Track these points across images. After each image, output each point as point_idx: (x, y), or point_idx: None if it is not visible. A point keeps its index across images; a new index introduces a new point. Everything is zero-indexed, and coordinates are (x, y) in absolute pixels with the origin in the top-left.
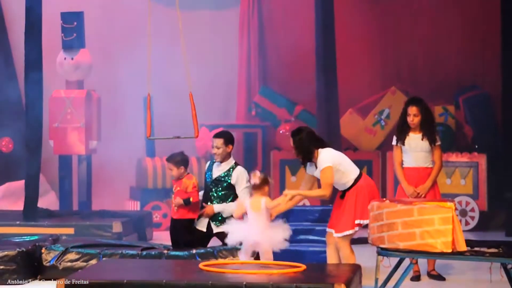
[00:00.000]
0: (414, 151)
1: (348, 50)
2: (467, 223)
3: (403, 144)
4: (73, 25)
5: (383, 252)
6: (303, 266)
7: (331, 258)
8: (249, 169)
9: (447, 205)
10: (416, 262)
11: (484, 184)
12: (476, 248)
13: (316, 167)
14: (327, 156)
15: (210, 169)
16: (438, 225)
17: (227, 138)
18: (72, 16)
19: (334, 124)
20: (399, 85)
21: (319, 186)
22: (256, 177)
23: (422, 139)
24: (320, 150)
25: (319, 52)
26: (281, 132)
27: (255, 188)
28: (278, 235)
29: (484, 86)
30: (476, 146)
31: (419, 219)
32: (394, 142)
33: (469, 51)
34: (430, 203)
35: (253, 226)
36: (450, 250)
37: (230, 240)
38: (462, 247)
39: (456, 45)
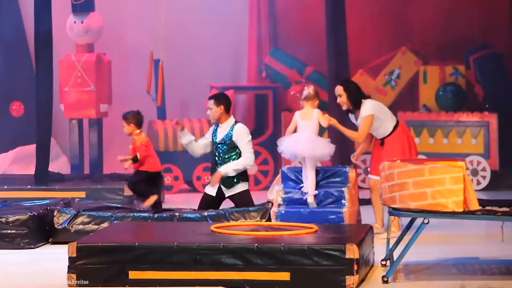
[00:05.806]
0: None
1: (358, 10)
2: (478, 183)
3: None
4: None
5: (395, 212)
6: (315, 227)
7: (376, 203)
8: (261, 131)
9: (458, 165)
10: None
11: (495, 143)
12: (487, 208)
13: (356, 117)
14: (371, 106)
15: (215, 134)
16: (449, 185)
17: (217, 98)
18: None
19: None
20: (409, 45)
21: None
22: (310, 88)
23: None
24: (364, 100)
25: (329, 13)
26: (291, 93)
27: (308, 99)
28: (324, 147)
29: (494, 45)
30: (487, 106)
31: (430, 178)
32: None
33: (480, 10)
34: (441, 162)
35: (303, 133)
36: (461, 210)
37: (285, 154)
38: (475, 206)
39: (466, 4)
